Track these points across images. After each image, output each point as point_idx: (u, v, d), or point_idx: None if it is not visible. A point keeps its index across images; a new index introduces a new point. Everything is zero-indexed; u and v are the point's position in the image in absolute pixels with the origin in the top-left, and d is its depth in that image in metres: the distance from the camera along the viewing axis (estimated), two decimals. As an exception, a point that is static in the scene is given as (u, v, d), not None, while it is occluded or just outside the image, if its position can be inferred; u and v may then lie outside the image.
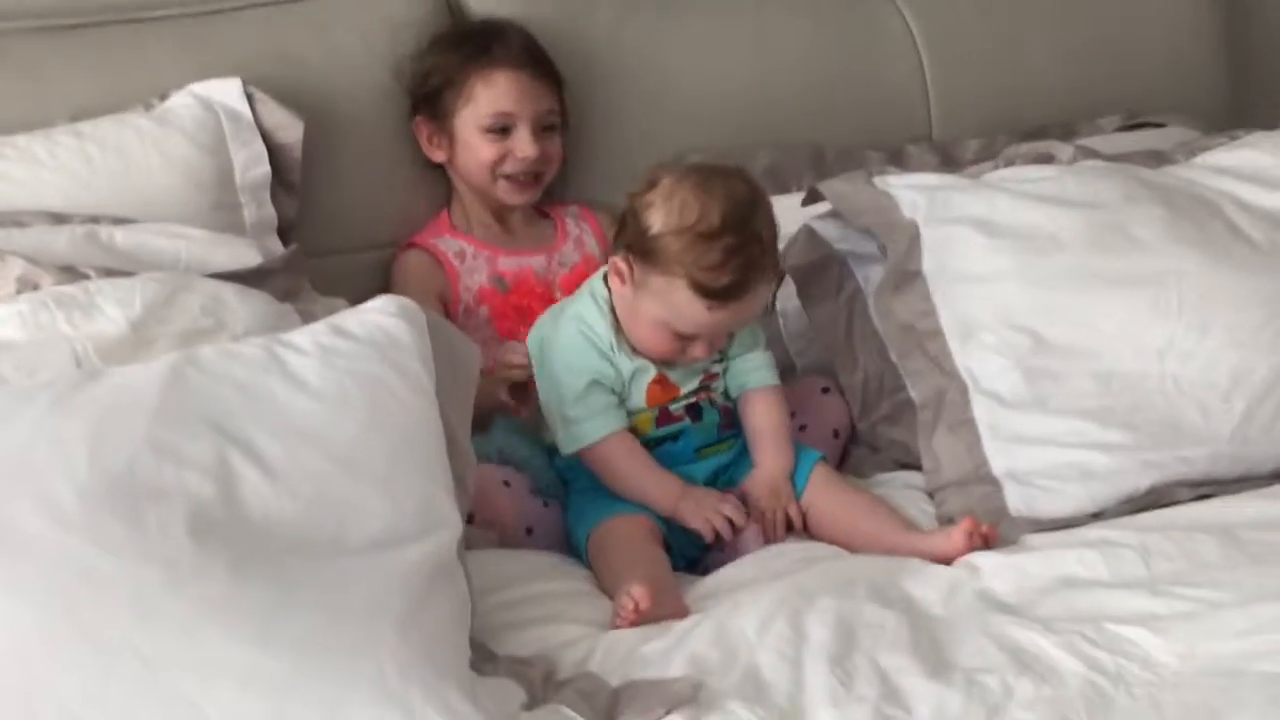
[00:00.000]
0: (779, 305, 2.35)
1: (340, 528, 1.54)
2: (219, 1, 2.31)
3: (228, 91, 2.16)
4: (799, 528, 2.04)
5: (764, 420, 2.08)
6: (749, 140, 2.50)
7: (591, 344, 2.01)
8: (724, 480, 2.08)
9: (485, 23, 2.38)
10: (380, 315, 1.72)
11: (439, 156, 2.35)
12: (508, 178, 2.32)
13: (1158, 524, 1.96)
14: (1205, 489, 2.05)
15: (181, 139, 2.09)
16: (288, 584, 1.46)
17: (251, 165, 2.13)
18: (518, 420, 2.14)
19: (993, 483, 2.07)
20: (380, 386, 1.64)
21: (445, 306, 2.30)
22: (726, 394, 2.10)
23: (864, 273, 2.28)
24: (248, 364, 1.61)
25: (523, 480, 2.05)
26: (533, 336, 2.07)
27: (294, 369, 1.62)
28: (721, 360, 2.09)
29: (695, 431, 2.07)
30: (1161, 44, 2.79)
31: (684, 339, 1.98)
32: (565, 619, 1.80)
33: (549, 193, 2.42)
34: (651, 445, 2.04)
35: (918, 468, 2.15)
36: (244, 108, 2.15)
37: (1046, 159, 2.32)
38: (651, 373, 2.02)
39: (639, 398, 2.03)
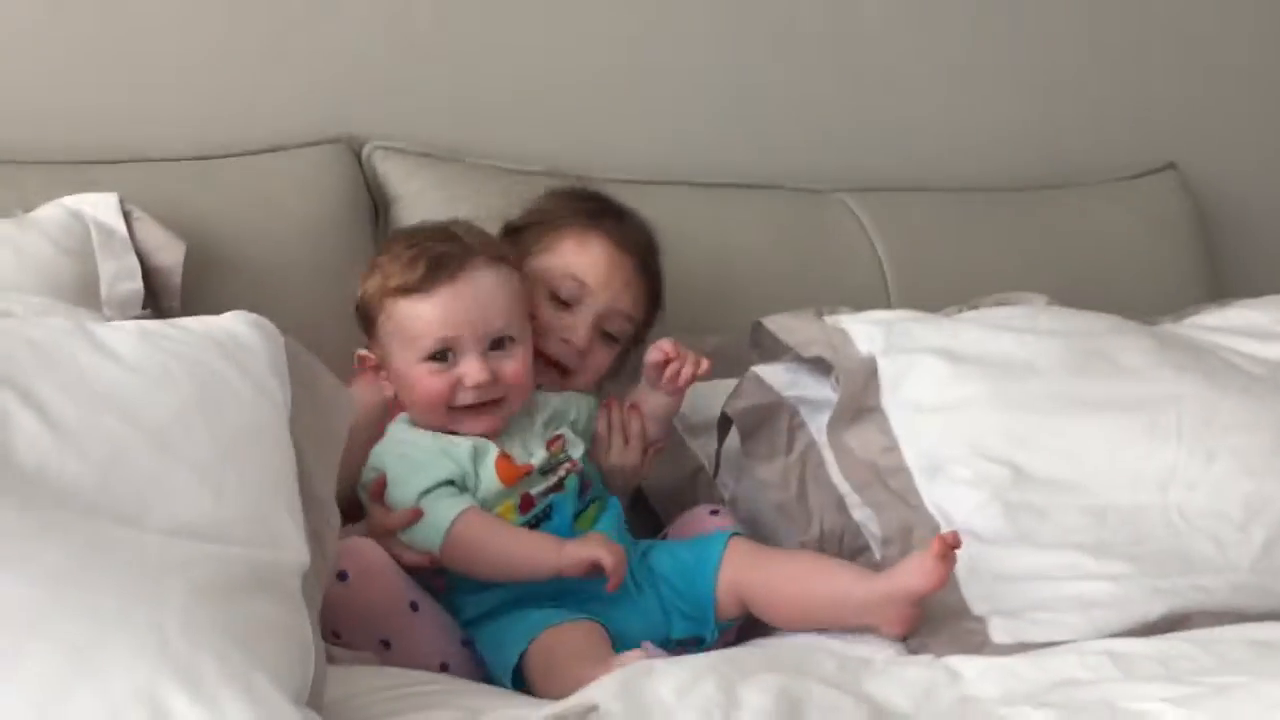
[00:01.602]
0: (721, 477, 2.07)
1: (141, 503, 1.23)
2: (108, 151, 2.13)
3: (101, 205, 1.94)
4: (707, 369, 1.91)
5: None
6: (702, 327, 2.28)
7: (418, 452, 1.78)
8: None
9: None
10: (228, 320, 1.46)
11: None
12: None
13: (1176, 637, 1.62)
14: (1229, 621, 1.71)
15: (42, 240, 1.85)
16: (51, 522, 1.14)
17: (121, 279, 1.89)
18: None
19: (975, 620, 1.73)
20: (213, 377, 1.36)
21: None
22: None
23: (817, 422, 2.00)
24: (49, 329, 1.33)
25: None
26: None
27: (105, 341, 1.34)
28: (560, 427, 1.86)
29: (564, 500, 1.80)
30: (1133, 246, 2.64)
31: (444, 363, 1.78)
32: (447, 706, 1.44)
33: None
34: None
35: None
36: (118, 223, 1.93)
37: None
38: (492, 450, 1.78)
39: (490, 478, 1.76)
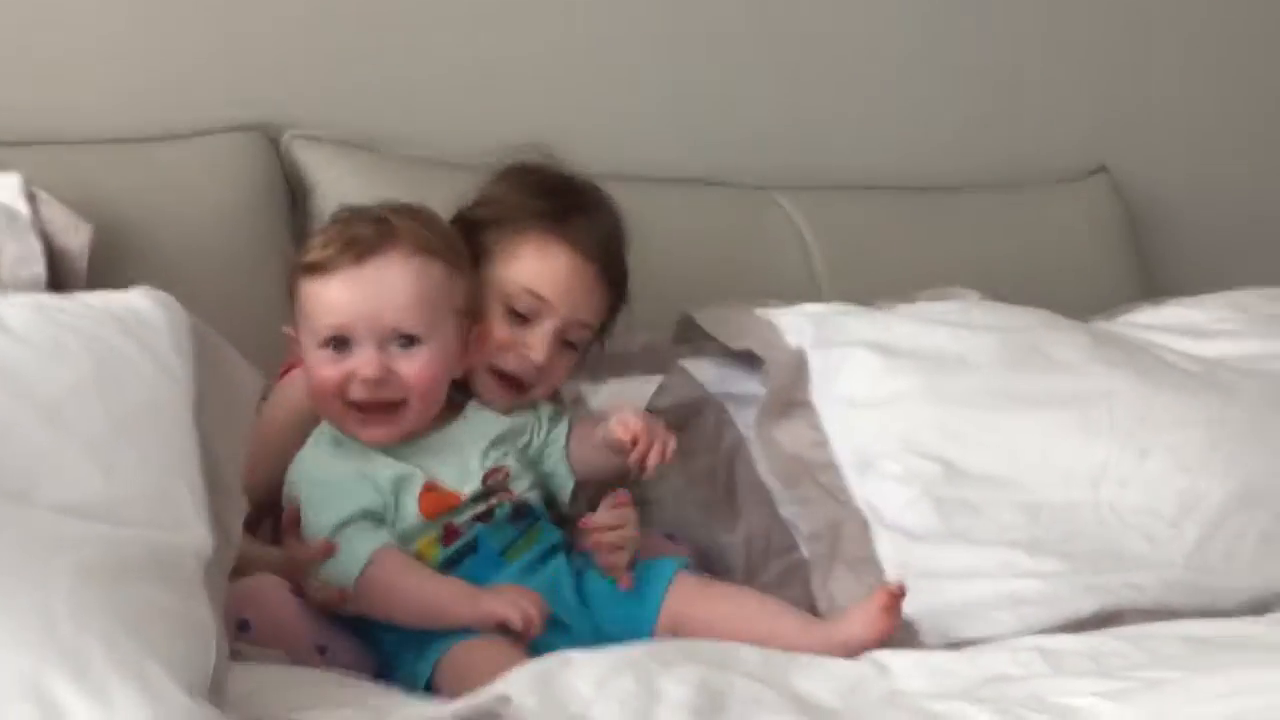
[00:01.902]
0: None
1: (28, 479, 1.17)
2: (16, 133, 2.05)
3: (3, 186, 1.85)
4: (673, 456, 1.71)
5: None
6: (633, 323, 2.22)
7: (336, 476, 1.66)
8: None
9: None
10: (131, 296, 1.40)
11: None
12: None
13: (1108, 633, 1.59)
14: (1161, 618, 1.68)
15: (-64, 222, 1.79)
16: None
17: (24, 263, 1.80)
18: None
19: (903, 620, 1.69)
20: (112, 353, 1.30)
21: None
22: (546, 482, 1.77)
23: (745, 418, 1.95)
24: (-66, 302, 1.26)
25: None
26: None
27: (-4, 314, 1.28)
28: (505, 455, 1.74)
29: (491, 533, 1.68)
30: (1066, 248, 2.61)
31: (341, 352, 1.66)
32: (354, 704, 1.37)
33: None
34: (450, 568, 1.66)
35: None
36: (20, 205, 1.85)
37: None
38: (419, 480, 1.67)
39: (411, 511, 1.65)
